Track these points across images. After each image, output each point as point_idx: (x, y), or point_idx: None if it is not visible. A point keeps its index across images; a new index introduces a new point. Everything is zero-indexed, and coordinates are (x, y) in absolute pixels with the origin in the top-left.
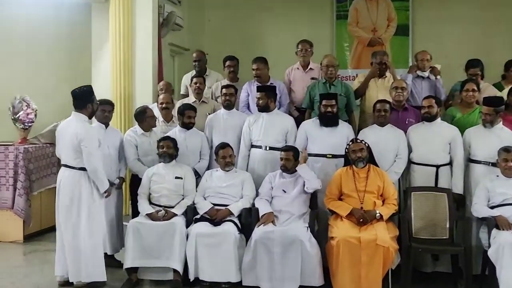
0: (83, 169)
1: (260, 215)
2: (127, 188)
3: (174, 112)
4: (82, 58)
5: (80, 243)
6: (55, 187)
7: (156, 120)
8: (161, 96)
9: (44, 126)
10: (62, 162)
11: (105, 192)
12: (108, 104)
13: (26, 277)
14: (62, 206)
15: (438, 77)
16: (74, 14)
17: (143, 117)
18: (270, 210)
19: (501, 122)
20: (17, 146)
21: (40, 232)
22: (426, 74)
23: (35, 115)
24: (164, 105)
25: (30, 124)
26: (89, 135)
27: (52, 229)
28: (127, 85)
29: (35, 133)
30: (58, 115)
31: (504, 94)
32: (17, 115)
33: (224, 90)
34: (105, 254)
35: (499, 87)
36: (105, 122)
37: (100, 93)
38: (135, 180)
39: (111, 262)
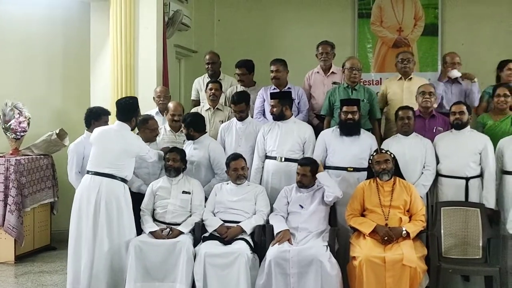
0: (124, 180)
1: (275, 232)
2: None
3: None
4: (79, 62)
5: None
6: (50, 202)
7: (157, 135)
8: (171, 106)
9: (37, 136)
10: (96, 170)
11: None
12: (106, 115)
13: None
14: (102, 216)
15: (475, 79)
16: (70, 14)
17: (143, 127)
18: (286, 227)
19: None
20: (8, 157)
21: (33, 252)
22: (458, 74)
23: (28, 124)
24: (176, 118)
25: (22, 134)
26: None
27: (46, 248)
28: (129, 91)
29: (27, 143)
30: (53, 123)
31: None
32: (8, 124)
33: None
34: None
35: None
36: None
37: (99, 100)
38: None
39: None
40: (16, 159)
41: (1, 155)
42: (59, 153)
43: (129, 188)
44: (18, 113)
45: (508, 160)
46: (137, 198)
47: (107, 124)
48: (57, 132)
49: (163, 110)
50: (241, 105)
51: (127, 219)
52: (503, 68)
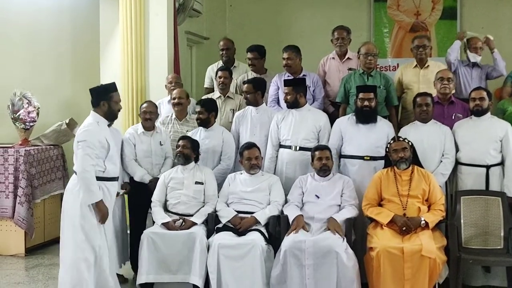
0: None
1: (290, 221)
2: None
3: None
4: (89, 49)
5: None
6: (61, 193)
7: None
8: (174, 91)
9: (47, 126)
10: None
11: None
12: None
13: None
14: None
15: (495, 50)
16: (79, 1)
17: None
18: (300, 213)
19: None
20: (18, 148)
21: (44, 244)
22: (478, 59)
23: (37, 114)
24: (176, 100)
25: (31, 124)
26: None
27: (57, 241)
28: (139, 78)
29: (37, 133)
30: (63, 113)
31: None
32: (17, 114)
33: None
34: None
35: None
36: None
37: None
38: (133, 185)
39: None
40: (25, 150)
41: (10, 146)
42: (69, 143)
43: (132, 177)
44: (27, 103)
45: None
46: (139, 187)
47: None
48: (67, 122)
49: None
50: (248, 85)
51: None
52: None
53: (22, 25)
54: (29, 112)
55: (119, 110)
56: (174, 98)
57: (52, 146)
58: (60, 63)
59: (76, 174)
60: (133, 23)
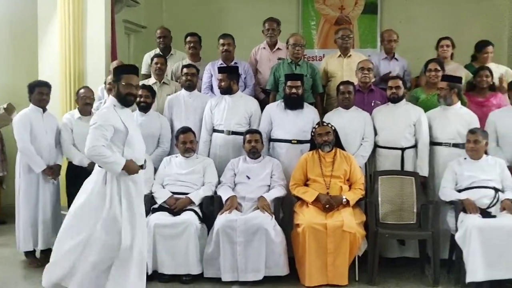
0: None
1: (224, 201)
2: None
3: None
4: (27, 36)
5: None
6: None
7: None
8: (109, 77)
9: None
10: None
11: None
12: (44, 86)
13: None
14: None
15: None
16: None
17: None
18: (233, 193)
19: (460, 103)
20: None
21: None
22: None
23: None
24: (110, 86)
25: None
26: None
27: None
28: (77, 65)
29: None
30: (0, 98)
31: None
32: None
33: (185, 70)
34: (34, 250)
35: (470, 68)
36: (42, 105)
37: (48, 73)
38: (71, 168)
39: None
40: None
41: None
42: (8, 127)
43: (71, 162)
44: None
45: (435, 132)
46: (77, 170)
47: (46, 96)
48: (5, 106)
49: None
50: (192, 68)
51: None
52: (480, 49)
53: None
54: None
55: (131, 95)
56: (109, 83)
57: None
58: None
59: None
60: (70, 10)
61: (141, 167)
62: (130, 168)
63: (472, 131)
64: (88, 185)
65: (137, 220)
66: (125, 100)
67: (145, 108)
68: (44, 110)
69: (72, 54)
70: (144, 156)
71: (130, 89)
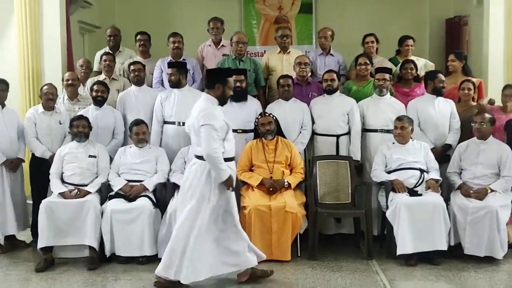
0: None
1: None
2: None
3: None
4: None
5: None
6: None
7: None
8: (66, 73)
9: None
10: None
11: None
12: (2, 83)
13: None
14: None
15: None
16: None
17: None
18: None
19: (389, 93)
20: None
21: None
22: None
23: None
24: (70, 82)
25: None
26: None
27: None
28: (34, 62)
29: None
30: None
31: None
32: None
33: (132, 67)
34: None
35: (394, 61)
36: (0, 102)
37: (6, 71)
38: (35, 160)
39: (17, 242)
40: None
41: None
42: None
43: (33, 154)
44: None
45: (368, 120)
46: (40, 162)
47: (3, 92)
48: None
49: (84, 80)
50: (138, 64)
51: None
52: (402, 43)
53: None
54: None
55: (229, 96)
56: (67, 80)
57: None
58: None
59: (196, 157)
60: (27, 12)
61: (233, 159)
62: (230, 180)
63: (399, 118)
64: (194, 188)
65: None
66: (225, 101)
67: (101, 102)
68: (3, 106)
69: (30, 53)
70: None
71: (231, 92)
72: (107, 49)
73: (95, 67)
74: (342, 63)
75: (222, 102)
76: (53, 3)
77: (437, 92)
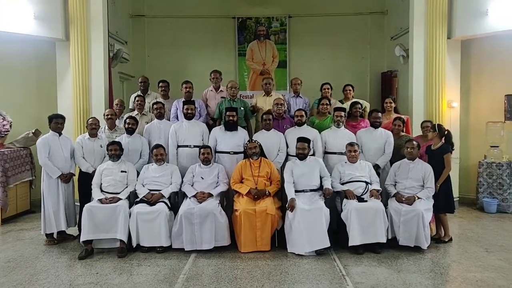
0: None
1: (189, 196)
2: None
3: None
4: (49, 79)
5: None
6: (29, 180)
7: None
8: (106, 111)
9: (17, 134)
10: None
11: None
12: (60, 118)
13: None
14: None
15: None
16: (41, 48)
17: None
18: (196, 190)
19: (343, 126)
20: None
21: (15, 216)
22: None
23: (10, 126)
24: (109, 116)
25: (6, 133)
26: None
27: (27, 212)
28: (85, 104)
29: (11, 139)
30: (28, 126)
31: (346, 106)
32: None
33: (155, 106)
34: (62, 231)
35: (342, 102)
36: (58, 131)
37: (64, 108)
38: (81, 174)
39: (66, 236)
40: (1, 151)
41: None
42: (34, 146)
43: (80, 169)
44: (2, 118)
45: (329, 145)
46: (85, 176)
47: (61, 125)
48: (33, 131)
49: (119, 115)
50: (159, 104)
51: None
52: (344, 90)
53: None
54: (4, 125)
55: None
56: (107, 115)
57: (22, 148)
58: (27, 89)
59: None
60: (80, 65)
61: None
62: None
63: (351, 144)
64: None
65: None
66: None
67: (131, 131)
68: (60, 134)
69: (81, 96)
70: None
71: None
72: (139, 92)
73: (130, 105)
74: (308, 103)
75: None
76: (99, 58)
77: (373, 125)
